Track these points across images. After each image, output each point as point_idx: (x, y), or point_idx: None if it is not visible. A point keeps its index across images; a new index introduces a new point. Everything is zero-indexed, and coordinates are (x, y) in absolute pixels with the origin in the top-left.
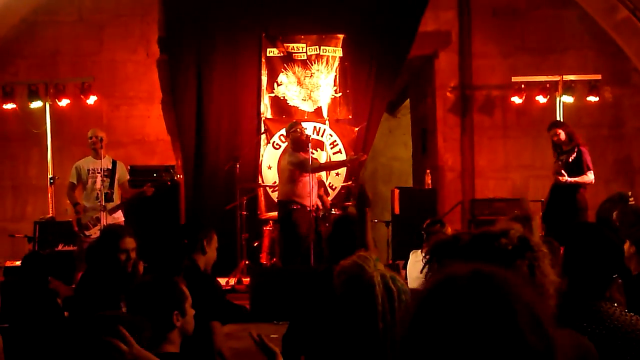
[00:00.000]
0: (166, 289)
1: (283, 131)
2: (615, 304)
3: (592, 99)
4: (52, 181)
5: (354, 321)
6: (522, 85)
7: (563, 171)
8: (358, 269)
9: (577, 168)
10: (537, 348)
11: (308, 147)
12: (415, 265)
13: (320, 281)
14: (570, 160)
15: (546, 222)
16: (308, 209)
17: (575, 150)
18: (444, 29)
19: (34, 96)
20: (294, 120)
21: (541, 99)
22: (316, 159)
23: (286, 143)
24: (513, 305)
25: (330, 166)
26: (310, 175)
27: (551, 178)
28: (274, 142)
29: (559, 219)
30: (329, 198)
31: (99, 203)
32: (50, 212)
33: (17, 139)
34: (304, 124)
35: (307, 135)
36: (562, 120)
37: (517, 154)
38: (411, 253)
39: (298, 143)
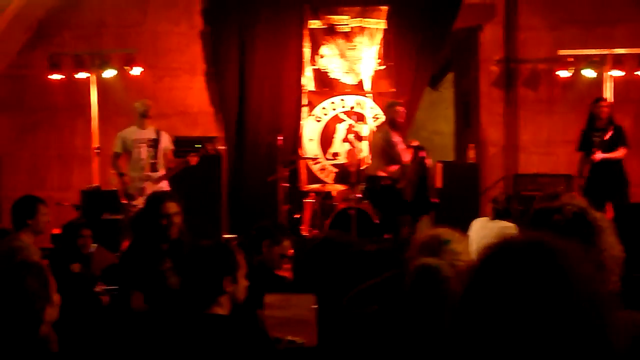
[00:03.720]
0: (220, 253)
1: (325, 104)
2: None
3: None
4: (97, 151)
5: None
6: (569, 59)
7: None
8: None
9: (614, 145)
10: (592, 322)
11: (400, 129)
12: (479, 232)
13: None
14: (608, 137)
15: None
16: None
17: (613, 127)
18: (489, 1)
19: (79, 67)
20: (394, 100)
21: (589, 73)
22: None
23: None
24: (568, 278)
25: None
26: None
27: None
28: (315, 115)
29: (602, 194)
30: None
31: (144, 173)
32: (96, 181)
33: (63, 109)
34: (346, 97)
35: (402, 118)
36: (610, 95)
37: (562, 129)
38: (474, 222)
39: (393, 123)
